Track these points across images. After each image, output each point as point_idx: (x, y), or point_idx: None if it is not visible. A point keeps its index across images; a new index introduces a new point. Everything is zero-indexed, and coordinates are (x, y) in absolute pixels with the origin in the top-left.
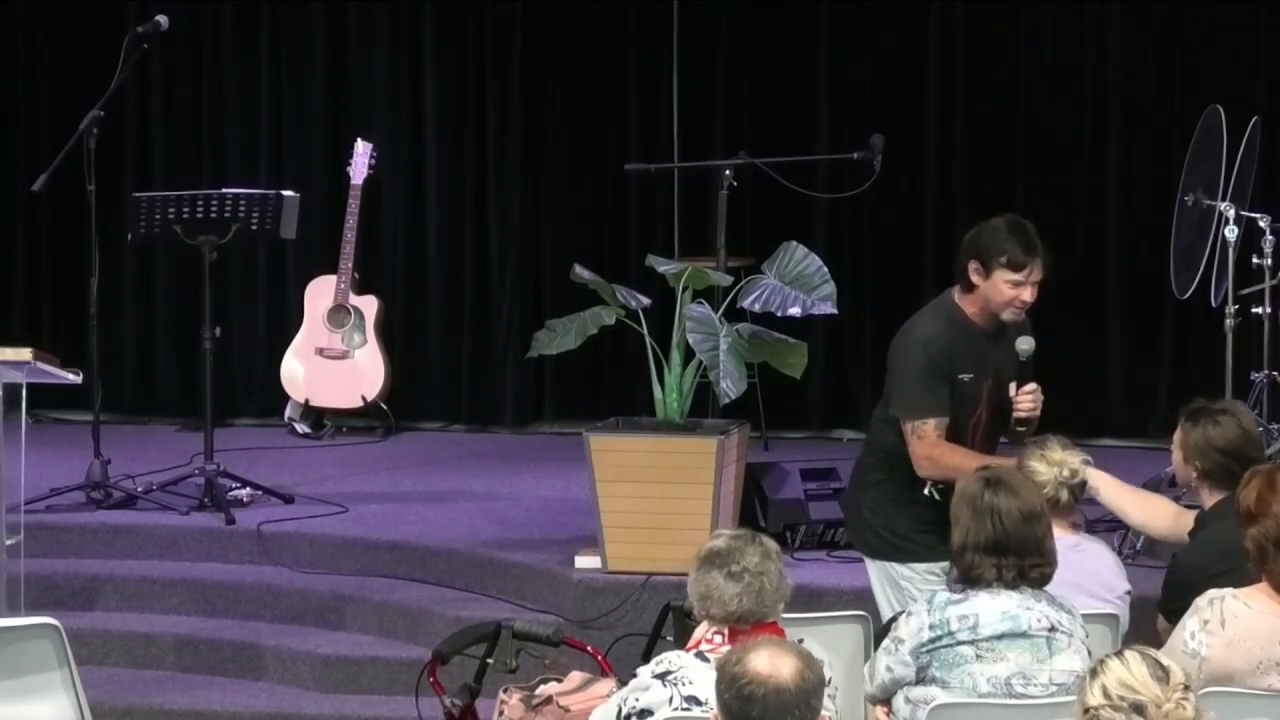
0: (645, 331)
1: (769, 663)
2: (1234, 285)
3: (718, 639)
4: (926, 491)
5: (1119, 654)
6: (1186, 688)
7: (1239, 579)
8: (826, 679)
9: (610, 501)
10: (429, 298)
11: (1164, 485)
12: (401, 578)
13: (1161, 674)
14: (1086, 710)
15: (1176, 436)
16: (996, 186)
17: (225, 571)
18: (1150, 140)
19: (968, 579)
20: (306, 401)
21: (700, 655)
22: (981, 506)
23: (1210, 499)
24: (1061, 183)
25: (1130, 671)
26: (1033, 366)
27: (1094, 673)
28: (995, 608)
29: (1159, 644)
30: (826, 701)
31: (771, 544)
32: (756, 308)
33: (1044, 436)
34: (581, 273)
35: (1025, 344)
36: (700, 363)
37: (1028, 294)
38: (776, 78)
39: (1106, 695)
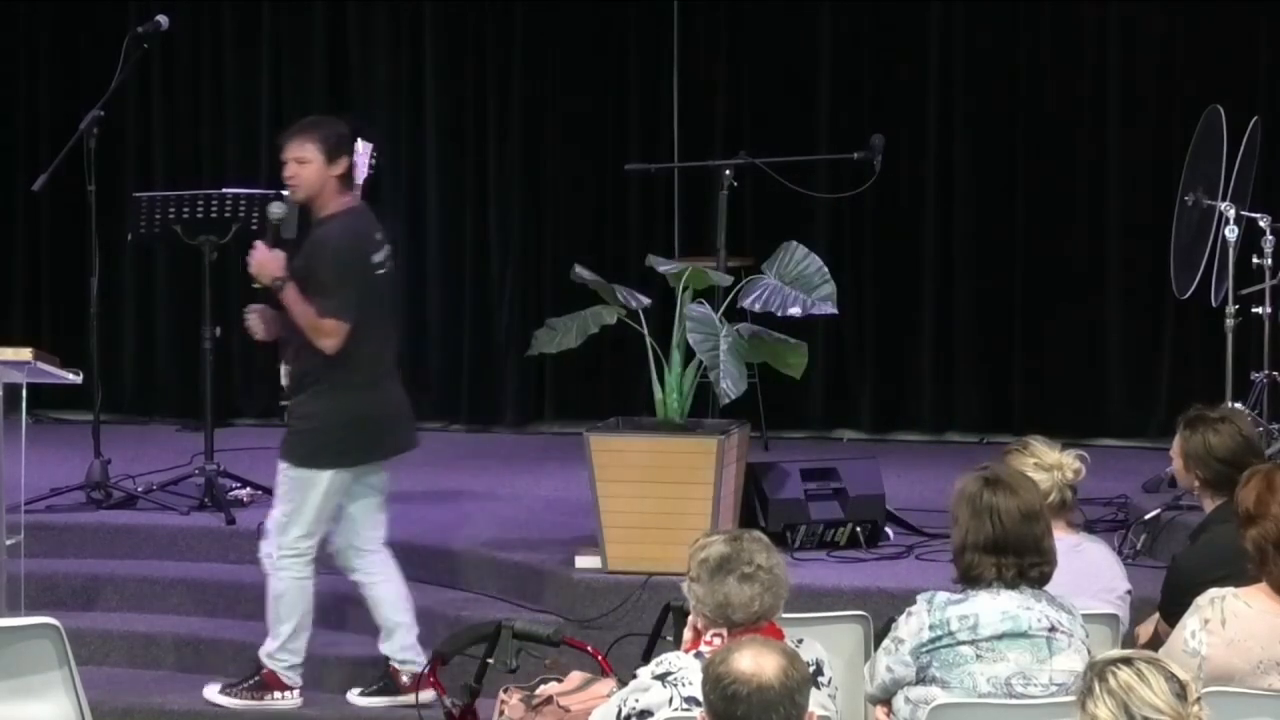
0: (645, 331)
1: (753, 662)
2: (1234, 285)
3: (718, 640)
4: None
5: (1128, 663)
6: (1199, 700)
7: (1238, 583)
8: (827, 679)
9: (610, 501)
10: (429, 298)
11: (1164, 485)
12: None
13: (1180, 690)
14: None
15: (1176, 444)
16: (996, 186)
17: (226, 571)
18: (1150, 140)
19: (968, 578)
20: None
21: (700, 656)
22: (980, 506)
23: (1211, 504)
24: (1061, 182)
25: (1153, 691)
26: (277, 230)
27: (1101, 677)
28: (995, 607)
29: (1157, 646)
30: (826, 701)
31: (763, 535)
32: (756, 308)
33: (1022, 440)
34: (581, 273)
35: (274, 208)
36: (700, 363)
37: (287, 170)
38: (776, 78)
39: (1129, 715)
